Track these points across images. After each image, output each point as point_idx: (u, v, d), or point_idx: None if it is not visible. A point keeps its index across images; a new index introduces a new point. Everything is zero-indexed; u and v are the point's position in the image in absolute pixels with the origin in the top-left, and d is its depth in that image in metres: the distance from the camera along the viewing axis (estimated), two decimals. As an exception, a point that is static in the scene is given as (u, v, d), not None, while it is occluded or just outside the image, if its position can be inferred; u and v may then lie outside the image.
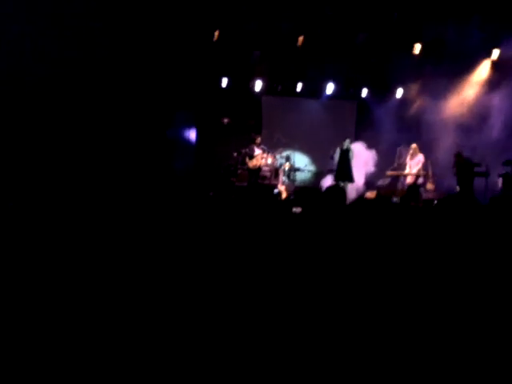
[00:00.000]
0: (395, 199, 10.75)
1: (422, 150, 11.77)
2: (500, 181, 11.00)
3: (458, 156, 11.21)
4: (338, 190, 4.99)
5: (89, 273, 2.93)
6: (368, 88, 13.84)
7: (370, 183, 12.42)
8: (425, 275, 2.91)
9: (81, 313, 2.55)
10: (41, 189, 6.64)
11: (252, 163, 11.89)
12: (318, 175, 13.60)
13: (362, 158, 12.27)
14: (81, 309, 2.58)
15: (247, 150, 11.99)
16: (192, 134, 13.64)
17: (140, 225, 3.83)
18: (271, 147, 12.61)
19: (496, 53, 12.15)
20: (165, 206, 4.70)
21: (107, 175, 9.62)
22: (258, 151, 11.96)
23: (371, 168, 12.43)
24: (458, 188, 11.24)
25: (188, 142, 13.52)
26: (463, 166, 11.11)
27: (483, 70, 12.41)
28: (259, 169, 12.01)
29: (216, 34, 11.94)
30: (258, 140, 12.12)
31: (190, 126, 13.54)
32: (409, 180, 11.75)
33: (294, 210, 4.71)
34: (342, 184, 11.38)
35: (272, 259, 3.05)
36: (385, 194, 11.36)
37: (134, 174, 10.08)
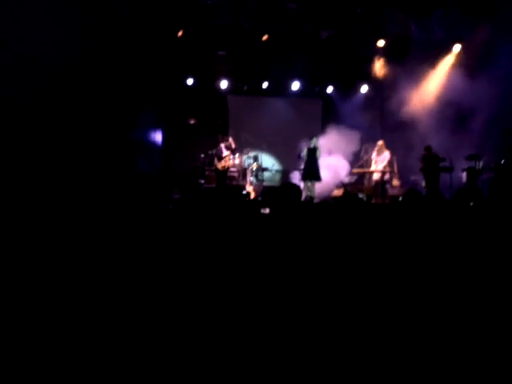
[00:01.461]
0: (362, 196, 10.86)
1: (387, 146, 11.86)
2: (464, 175, 11.18)
3: (428, 149, 11.31)
4: (291, 187, 4.95)
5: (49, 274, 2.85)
6: (333, 85, 13.92)
7: (336, 181, 12.47)
8: (398, 268, 2.90)
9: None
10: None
11: (221, 164, 11.79)
12: (286, 174, 13.61)
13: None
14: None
15: (215, 151, 11.89)
16: (158, 136, 13.48)
17: (104, 228, 3.74)
18: (239, 147, 12.54)
19: (457, 47, 12.35)
20: (130, 209, 4.61)
21: (69, 178, 9.42)
22: (226, 152, 11.87)
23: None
24: (423, 183, 11.37)
25: (154, 143, 13.36)
26: (430, 160, 11.24)
27: (446, 65, 12.60)
28: (227, 170, 11.92)
29: (180, 32, 11.84)
30: (230, 140, 11.99)
31: (155, 127, 13.38)
32: (375, 177, 11.81)
33: (263, 210, 4.67)
34: (309, 183, 11.39)
35: (246, 260, 3.01)
36: (352, 191, 11.42)
37: (97, 177, 9.89)
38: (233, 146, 11.86)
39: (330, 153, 12.54)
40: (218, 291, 2.76)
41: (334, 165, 12.46)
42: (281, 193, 4.62)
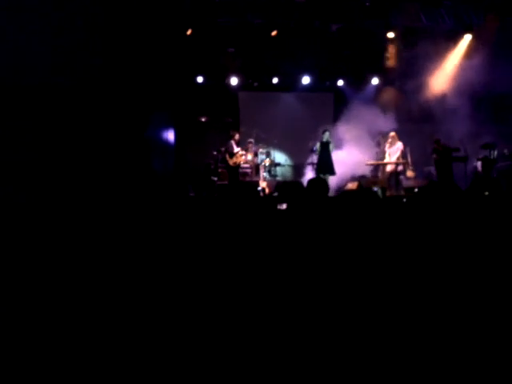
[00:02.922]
0: (376, 188, 10.83)
1: (400, 137, 11.81)
2: (479, 164, 11.12)
3: (437, 142, 11.30)
4: (320, 182, 4.96)
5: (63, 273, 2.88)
6: (344, 78, 13.87)
7: (350, 174, 12.43)
8: (416, 265, 2.89)
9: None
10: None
11: (232, 161, 11.79)
12: (298, 169, 13.59)
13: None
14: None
15: (226, 147, 11.91)
16: (170, 135, 13.51)
17: (122, 227, 3.77)
18: (253, 143, 12.54)
19: (468, 37, 12.26)
20: (147, 208, 4.63)
21: (85, 179, 9.48)
22: (237, 148, 11.90)
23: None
24: (434, 173, 11.34)
25: (166, 142, 13.40)
26: (442, 152, 11.20)
27: (457, 56, 12.51)
28: (238, 166, 11.92)
29: (189, 31, 11.86)
30: (237, 137, 12.04)
31: (167, 127, 13.41)
32: (388, 169, 11.77)
33: (280, 206, 4.68)
34: (323, 177, 11.38)
35: (266, 257, 3.02)
36: (366, 184, 11.38)
37: (112, 178, 9.95)
38: (236, 140, 11.93)
39: (343, 146, 12.50)
40: (236, 289, 2.77)
41: (347, 158, 12.42)
42: (309, 188, 4.62)
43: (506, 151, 10.79)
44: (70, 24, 9.82)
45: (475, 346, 2.33)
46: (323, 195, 4.64)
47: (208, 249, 3.24)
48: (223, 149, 11.97)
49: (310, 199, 4.53)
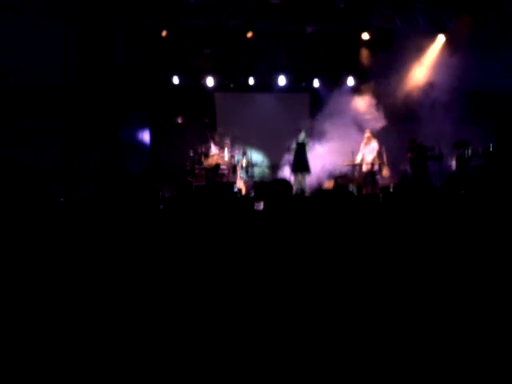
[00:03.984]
0: (352, 187, 10.91)
1: (375, 136, 11.90)
2: (454, 163, 11.26)
3: (412, 141, 11.41)
4: (282, 183, 4.95)
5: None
6: (319, 79, 13.93)
7: (326, 173, 12.49)
8: (394, 260, 2.91)
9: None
10: None
11: (207, 162, 11.83)
12: (276, 169, 13.62)
13: None
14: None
15: (203, 148, 11.92)
16: (146, 135, 13.44)
17: (95, 228, 3.72)
18: (229, 144, 12.53)
19: (442, 38, 12.43)
20: (120, 210, 4.58)
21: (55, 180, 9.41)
22: (215, 150, 11.90)
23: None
24: (409, 172, 11.46)
25: (142, 143, 13.32)
26: (417, 151, 11.31)
27: (431, 56, 12.67)
28: (217, 167, 11.91)
29: (164, 32, 11.83)
30: (216, 138, 12.07)
31: (143, 127, 13.34)
32: (364, 168, 11.85)
33: (256, 206, 4.67)
34: (299, 176, 11.44)
35: (243, 256, 3.01)
36: (342, 182, 11.45)
37: (85, 178, 9.86)
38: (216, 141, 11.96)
39: (319, 145, 12.56)
40: (213, 289, 2.75)
41: (324, 157, 12.48)
42: (272, 188, 4.62)
43: (479, 150, 10.93)
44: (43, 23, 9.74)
45: (460, 340, 2.35)
46: (286, 196, 4.63)
47: (183, 249, 3.21)
48: (200, 150, 11.96)
49: (274, 199, 4.52)
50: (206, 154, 11.83)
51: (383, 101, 12.54)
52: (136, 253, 3.23)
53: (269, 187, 4.85)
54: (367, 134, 11.88)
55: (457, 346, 2.32)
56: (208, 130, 12.67)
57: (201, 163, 12.02)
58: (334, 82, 13.74)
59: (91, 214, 4.33)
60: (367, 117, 12.63)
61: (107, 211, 4.43)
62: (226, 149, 12.27)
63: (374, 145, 11.73)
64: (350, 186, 11.07)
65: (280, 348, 2.35)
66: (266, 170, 13.88)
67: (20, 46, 10.47)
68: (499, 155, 10.16)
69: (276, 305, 2.61)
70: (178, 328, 2.48)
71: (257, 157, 13.40)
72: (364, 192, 10.80)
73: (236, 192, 10.58)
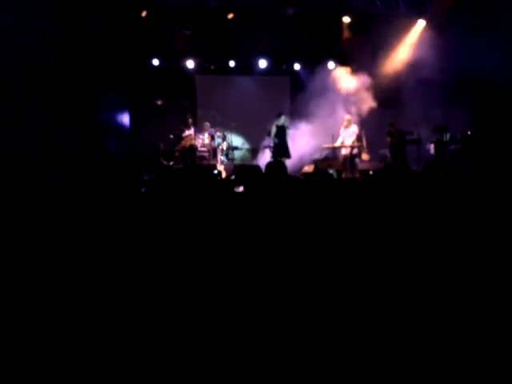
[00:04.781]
0: (332, 171, 10.95)
1: (355, 120, 11.94)
2: (432, 147, 11.36)
3: (391, 125, 11.48)
4: (278, 165, 4.98)
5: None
6: (300, 62, 13.90)
7: (307, 157, 12.51)
8: (374, 244, 2.94)
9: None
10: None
11: (180, 145, 11.81)
12: (254, 152, 13.62)
13: None
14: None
15: (177, 131, 11.92)
16: (125, 118, 13.29)
17: (76, 215, 3.69)
18: (210, 127, 12.48)
19: (422, 23, 12.48)
20: (100, 193, 4.55)
21: (34, 165, 9.29)
22: (187, 132, 11.87)
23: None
24: (388, 156, 11.53)
25: (121, 125, 13.17)
26: (396, 135, 11.39)
27: (410, 41, 12.71)
28: (191, 148, 11.87)
29: (144, 13, 11.66)
30: (190, 121, 12.04)
31: (122, 109, 13.19)
32: (344, 152, 11.90)
33: (236, 189, 4.68)
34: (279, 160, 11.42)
35: (223, 240, 3.01)
36: (322, 167, 11.48)
37: (64, 162, 9.75)
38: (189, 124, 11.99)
39: (300, 129, 12.56)
40: (195, 273, 2.75)
41: (305, 140, 12.48)
42: (268, 171, 4.63)
43: (458, 134, 11.04)
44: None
45: (448, 330, 2.36)
46: (282, 178, 4.67)
47: (163, 233, 3.21)
48: (177, 132, 11.94)
49: (268, 182, 4.55)
50: (179, 137, 11.81)
51: (363, 84, 12.54)
52: (119, 236, 3.22)
53: (246, 172, 4.87)
54: (347, 117, 11.91)
55: (452, 337, 2.32)
56: (188, 113, 12.59)
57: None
58: (314, 65, 13.71)
59: (70, 197, 4.30)
60: (348, 100, 12.64)
61: (86, 194, 4.40)
62: (206, 131, 12.21)
63: (354, 128, 11.77)
64: (329, 169, 11.10)
65: (254, 333, 2.36)
66: (247, 154, 13.87)
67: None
68: (477, 140, 10.29)
69: (258, 285, 2.63)
70: (158, 309, 2.49)
71: (237, 140, 13.38)
72: (344, 176, 10.86)
73: (216, 175, 10.57)
